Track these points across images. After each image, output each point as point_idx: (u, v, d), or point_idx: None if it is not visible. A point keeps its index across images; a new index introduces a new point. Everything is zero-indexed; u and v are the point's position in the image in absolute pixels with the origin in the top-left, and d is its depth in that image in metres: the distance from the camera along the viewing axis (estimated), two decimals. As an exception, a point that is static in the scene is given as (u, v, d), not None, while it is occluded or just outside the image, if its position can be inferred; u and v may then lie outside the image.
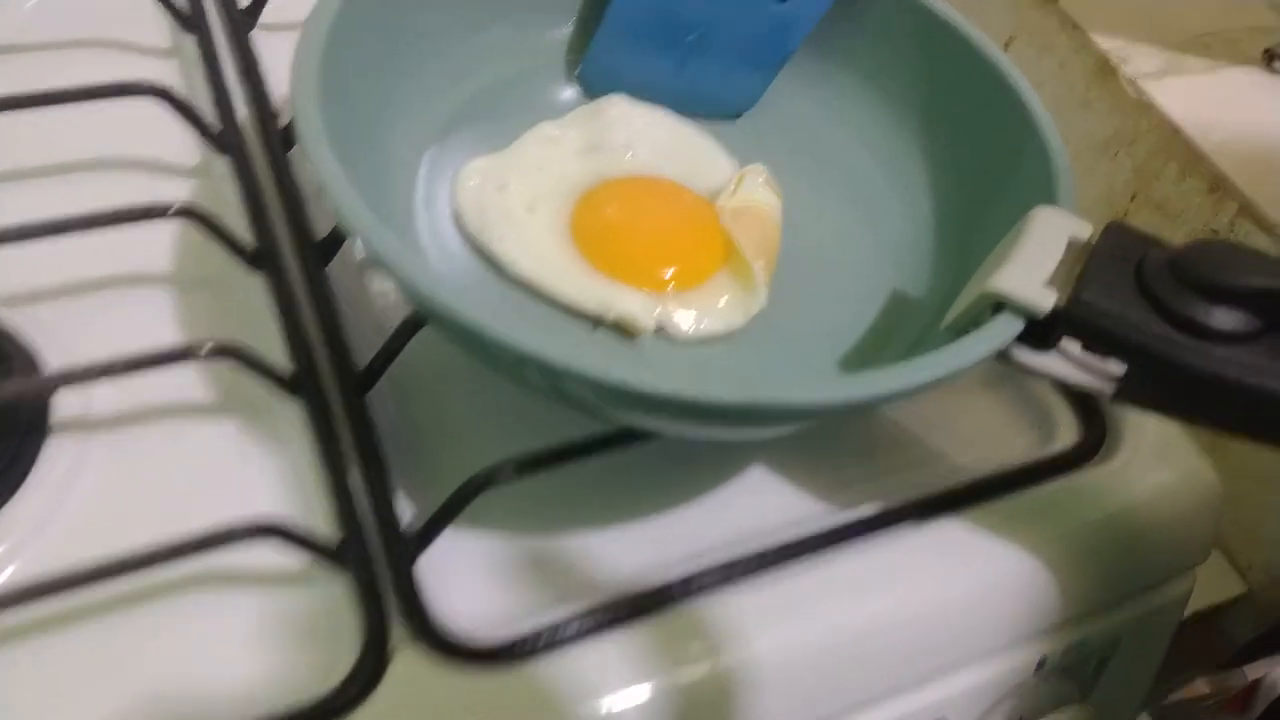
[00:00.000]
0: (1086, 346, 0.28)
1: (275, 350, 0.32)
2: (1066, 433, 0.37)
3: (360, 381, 0.32)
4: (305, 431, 0.31)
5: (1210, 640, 0.61)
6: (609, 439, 0.30)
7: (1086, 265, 0.28)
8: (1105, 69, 0.55)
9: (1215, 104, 0.53)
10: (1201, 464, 0.37)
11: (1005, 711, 0.36)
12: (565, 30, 0.41)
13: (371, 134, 0.33)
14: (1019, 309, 0.28)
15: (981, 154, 0.37)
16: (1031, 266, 0.28)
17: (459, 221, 0.36)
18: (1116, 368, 0.28)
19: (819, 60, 0.41)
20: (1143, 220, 0.53)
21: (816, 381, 0.26)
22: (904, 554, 0.32)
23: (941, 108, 0.38)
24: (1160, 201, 0.53)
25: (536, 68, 0.40)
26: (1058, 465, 0.35)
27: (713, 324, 0.35)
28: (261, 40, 0.42)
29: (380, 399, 0.32)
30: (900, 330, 0.35)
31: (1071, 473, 0.35)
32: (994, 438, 0.37)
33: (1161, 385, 0.28)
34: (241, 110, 0.39)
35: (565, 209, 0.37)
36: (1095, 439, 0.36)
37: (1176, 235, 0.52)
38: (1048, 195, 0.32)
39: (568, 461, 0.30)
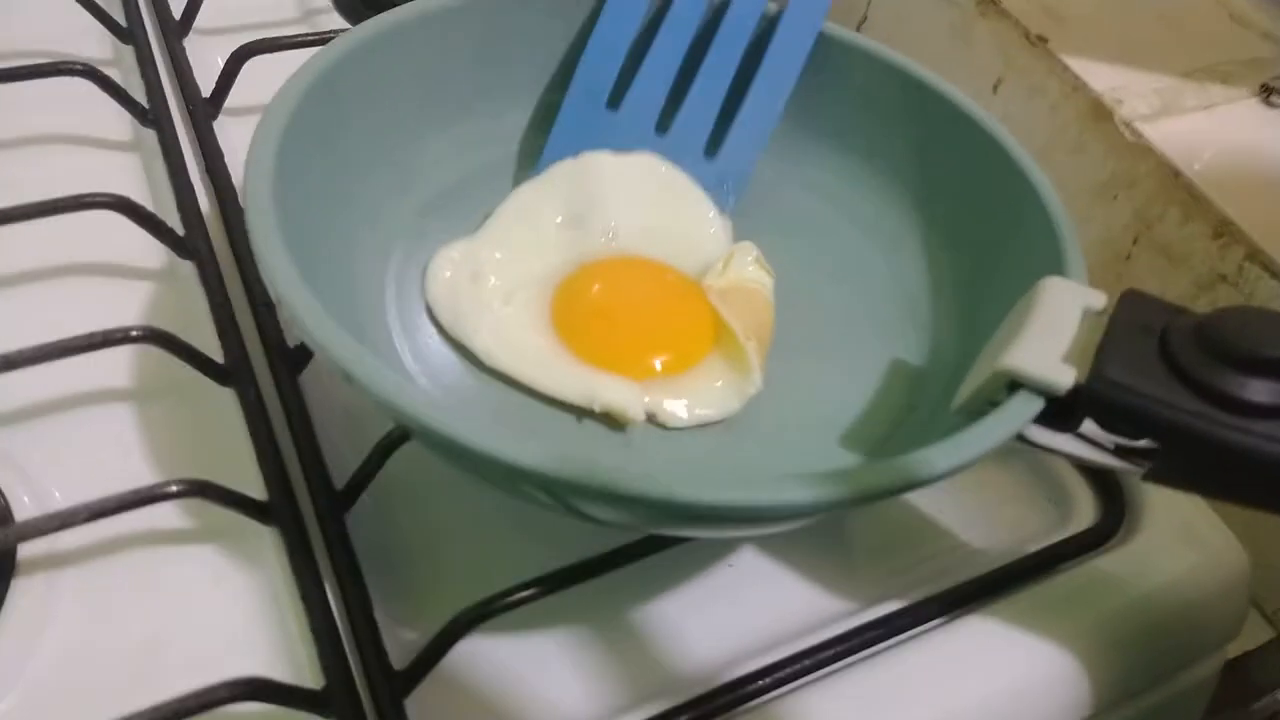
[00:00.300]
0: (1111, 427, 0.26)
1: (248, 473, 0.31)
2: (1084, 510, 0.35)
3: (340, 501, 0.31)
4: (283, 560, 0.29)
5: (1238, 688, 0.59)
6: (604, 560, 0.29)
7: (1105, 338, 0.27)
8: (1099, 111, 0.53)
9: (1215, 144, 0.52)
10: (1228, 539, 0.35)
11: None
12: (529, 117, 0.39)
13: (334, 233, 0.32)
14: (1036, 387, 0.26)
15: (979, 224, 0.35)
16: (1046, 341, 0.27)
17: (433, 315, 0.34)
18: (1144, 448, 0.26)
19: (802, 138, 0.39)
20: (1147, 265, 0.52)
21: (820, 476, 0.24)
22: (921, 659, 0.30)
23: (933, 178, 0.37)
24: (1164, 246, 0.51)
25: (509, 156, 0.39)
26: (1078, 548, 0.34)
27: (706, 410, 0.33)
28: (226, 130, 0.40)
29: (363, 517, 0.31)
30: (905, 411, 0.33)
31: (1093, 555, 0.34)
32: (1009, 519, 0.35)
33: (1196, 464, 0.26)
34: (207, 208, 0.38)
35: (544, 295, 0.35)
36: (1115, 517, 0.35)
37: (1182, 280, 0.50)
38: (1055, 264, 0.30)
39: (564, 587, 0.28)
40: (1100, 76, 0.54)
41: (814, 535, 0.33)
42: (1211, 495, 0.28)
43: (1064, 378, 0.26)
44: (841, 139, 0.39)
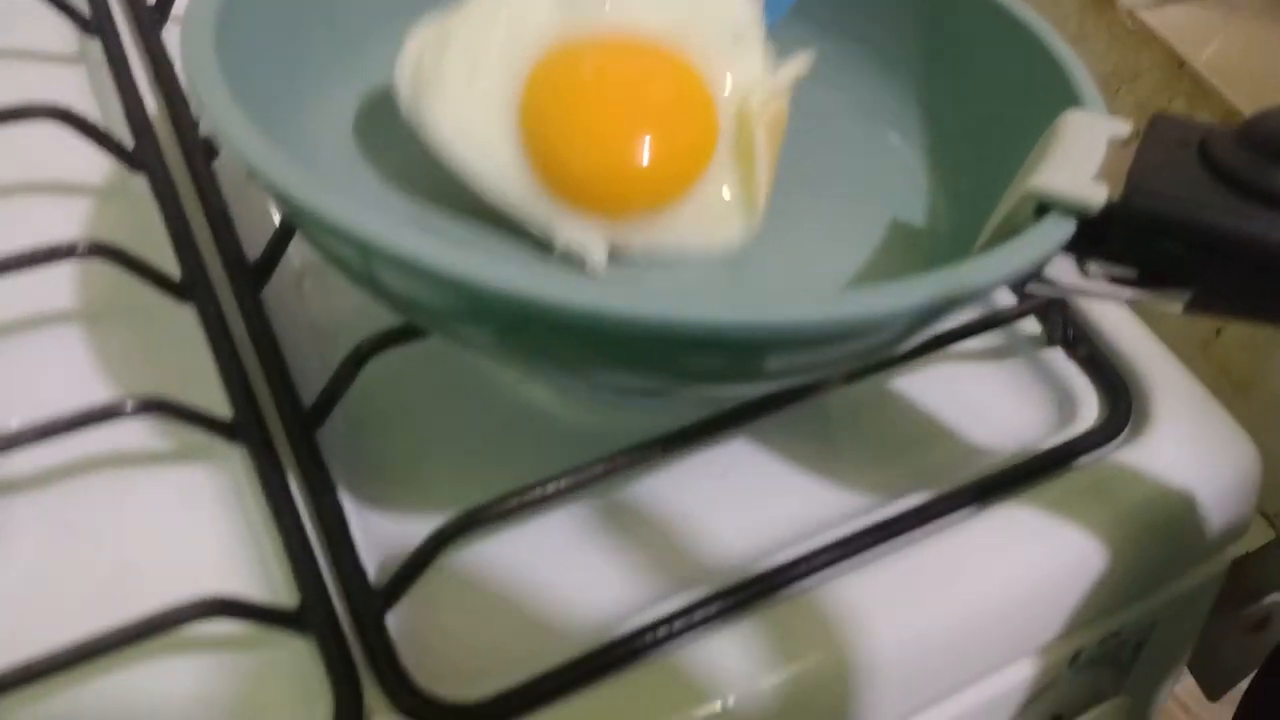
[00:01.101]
0: (1147, 248, 0.24)
1: (212, 393, 0.29)
2: (1089, 409, 0.34)
3: (309, 418, 0.29)
4: (253, 480, 0.28)
5: (1237, 589, 0.59)
6: (598, 475, 0.27)
7: (1139, 155, 0.25)
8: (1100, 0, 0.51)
9: (1221, 31, 0.50)
10: (1238, 434, 0.34)
11: (1038, 711, 0.33)
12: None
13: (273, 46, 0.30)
14: (1068, 207, 0.24)
15: (982, 81, 0.33)
16: (1074, 163, 0.25)
17: (400, 103, 0.30)
18: (1184, 275, 0.25)
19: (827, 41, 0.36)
20: (1148, 159, 0.50)
21: (835, 297, 0.22)
22: (926, 559, 0.29)
23: (933, 51, 0.35)
24: (1166, 138, 0.49)
25: None
26: (1084, 446, 0.32)
27: (690, 252, 0.30)
28: (175, 37, 0.38)
29: (334, 434, 0.29)
30: (912, 263, 0.31)
31: (1100, 453, 0.32)
32: (1012, 419, 0.34)
33: (1248, 284, 0.24)
34: (157, 118, 0.35)
35: (516, 80, 0.29)
36: (1122, 415, 0.33)
37: (1185, 173, 0.48)
38: (1072, 102, 0.28)
39: (551, 502, 0.27)
40: (1100, -39, 0.52)
41: (819, 438, 0.32)
42: (1256, 318, 0.26)
43: (1097, 194, 0.24)
44: (841, 28, 0.36)
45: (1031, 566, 0.30)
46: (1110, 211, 0.24)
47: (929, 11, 0.35)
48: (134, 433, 0.29)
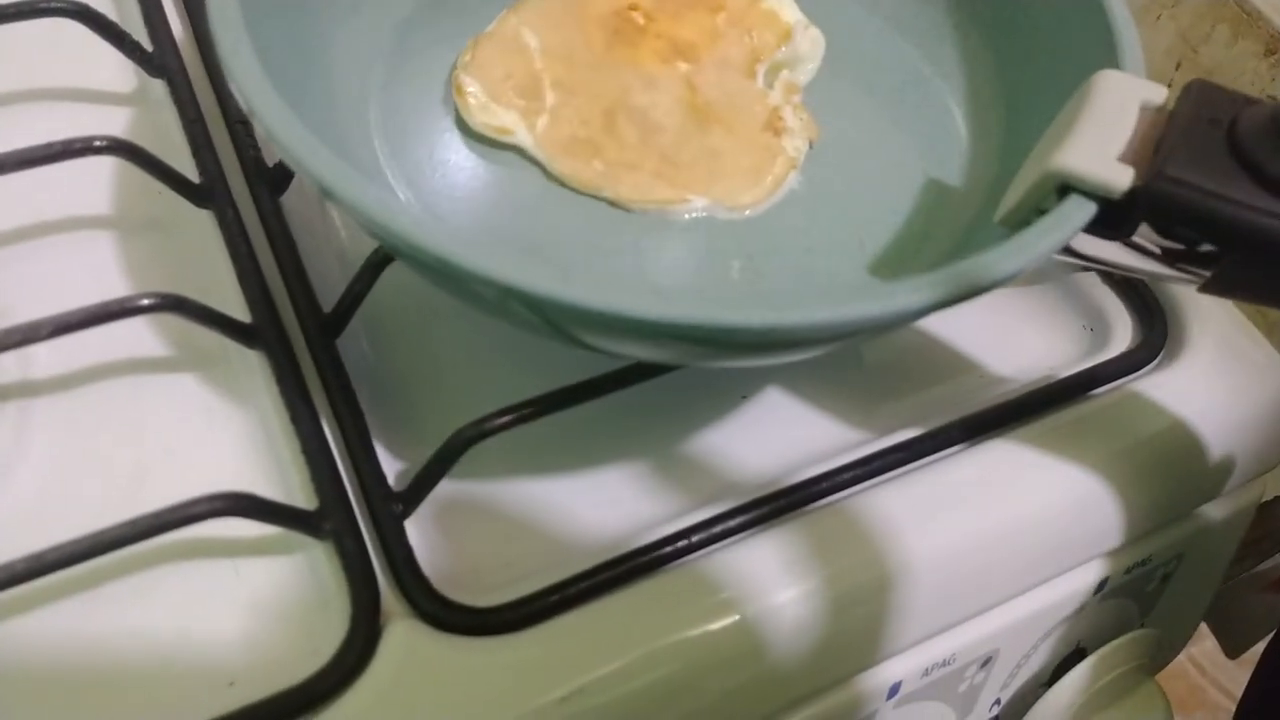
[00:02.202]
0: (1170, 232, 0.24)
1: (230, 295, 0.29)
2: (1122, 333, 0.33)
3: (329, 325, 0.29)
4: (271, 385, 0.28)
5: (1260, 541, 0.58)
6: (612, 378, 0.27)
7: (1166, 134, 0.24)
8: (1143, -79, 0.49)
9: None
10: (1274, 360, 0.33)
11: (1061, 638, 0.33)
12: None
13: (313, 44, 0.29)
14: (1090, 189, 0.24)
15: (1025, 21, 0.32)
16: (1100, 139, 0.24)
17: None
18: (1203, 254, 0.24)
19: None
20: (1189, 89, 0.49)
21: (850, 295, 0.22)
22: (948, 481, 0.29)
23: None
24: (1210, 68, 0.48)
25: None
26: (1115, 371, 0.32)
27: (728, 206, 0.30)
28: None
29: (353, 343, 0.29)
30: (941, 226, 0.30)
31: (1131, 379, 0.32)
32: (1042, 343, 0.33)
33: (1263, 271, 0.24)
34: (177, 25, 0.35)
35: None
36: (1156, 340, 0.33)
37: (1227, 104, 0.47)
38: (1108, 57, 0.27)
39: (568, 405, 0.26)
40: (1145, -119, 0.50)
41: (834, 364, 0.31)
42: (1273, 304, 0.25)
43: (1121, 178, 0.23)
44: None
45: (1043, 496, 0.29)
46: (1133, 195, 0.23)
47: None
48: (152, 335, 0.29)
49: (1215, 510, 0.33)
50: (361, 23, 0.31)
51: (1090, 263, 0.25)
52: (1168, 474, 0.31)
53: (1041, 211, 0.24)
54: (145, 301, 0.26)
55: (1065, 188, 0.24)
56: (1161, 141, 0.24)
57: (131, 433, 0.27)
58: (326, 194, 0.22)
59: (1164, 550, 0.33)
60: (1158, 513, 0.32)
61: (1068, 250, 0.25)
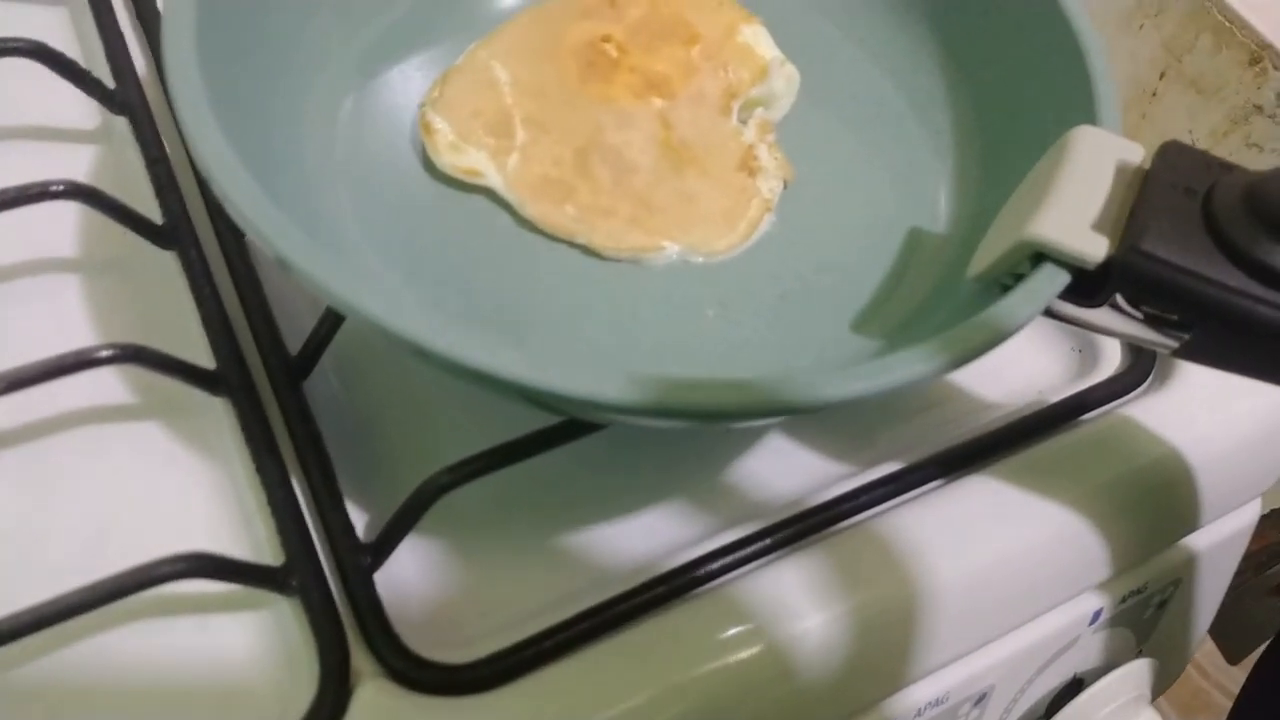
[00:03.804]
0: (1144, 302, 0.24)
1: (194, 338, 0.28)
2: (1111, 356, 0.33)
3: (296, 367, 0.28)
4: (236, 433, 0.27)
5: (1261, 550, 0.58)
6: (586, 425, 0.26)
7: (1140, 200, 0.23)
8: (1124, -69, 0.49)
9: (1253, -40, 0.47)
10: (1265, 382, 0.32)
11: (1057, 671, 0.32)
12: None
13: (270, 87, 0.28)
14: (1064, 260, 0.23)
15: (1004, 60, 0.31)
16: (1075, 205, 0.24)
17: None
18: (1178, 322, 0.24)
19: None
20: (1176, 100, 0.48)
21: (816, 372, 0.21)
22: (933, 517, 0.28)
23: (957, 7, 0.33)
24: (1194, 78, 0.47)
25: None
26: (1105, 396, 0.31)
27: (701, 254, 0.30)
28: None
29: (321, 384, 0.28)
30: (917, 269, 0.30)
31: (1121, 403, 0.31)
32: (1030, 365, 0.33)
33: (1238, 346, 0.24)
34: (140, 62, 0.34)
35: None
36: (1145, 363, 0.32)
37: (1215, 114, 0.46)
38: (1085, 109, 0.27)
39: (544, 450, 0.26)
40: (1126, -109, 0.49)
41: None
42: (1253, 377, 0.25)
43: (1095, 249, 0.23)
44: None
45: (1047, 522, 0.29)
46: (1108, 266, 0.23)
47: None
48: (113, 383, 0.28)
49: (1210, 535, 0.33)
50: (327, 58, 0.30)
51: (1066, 321, 0.25)
52: (1161, 501, 0.31)
53: (1017, 275, 0.24)
54: (104, 353, 0.25)
55: (1040, 254, 0.24)
56: (1137, 208, 0.23)
57: (91, 487, 0.27)
58: (283, 267, 0.22)
59: (1159, 578, 0.32)
60: (1151, 540, 0.31)
61: (1049, 313, 0.25)
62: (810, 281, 0.29)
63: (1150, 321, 0.24)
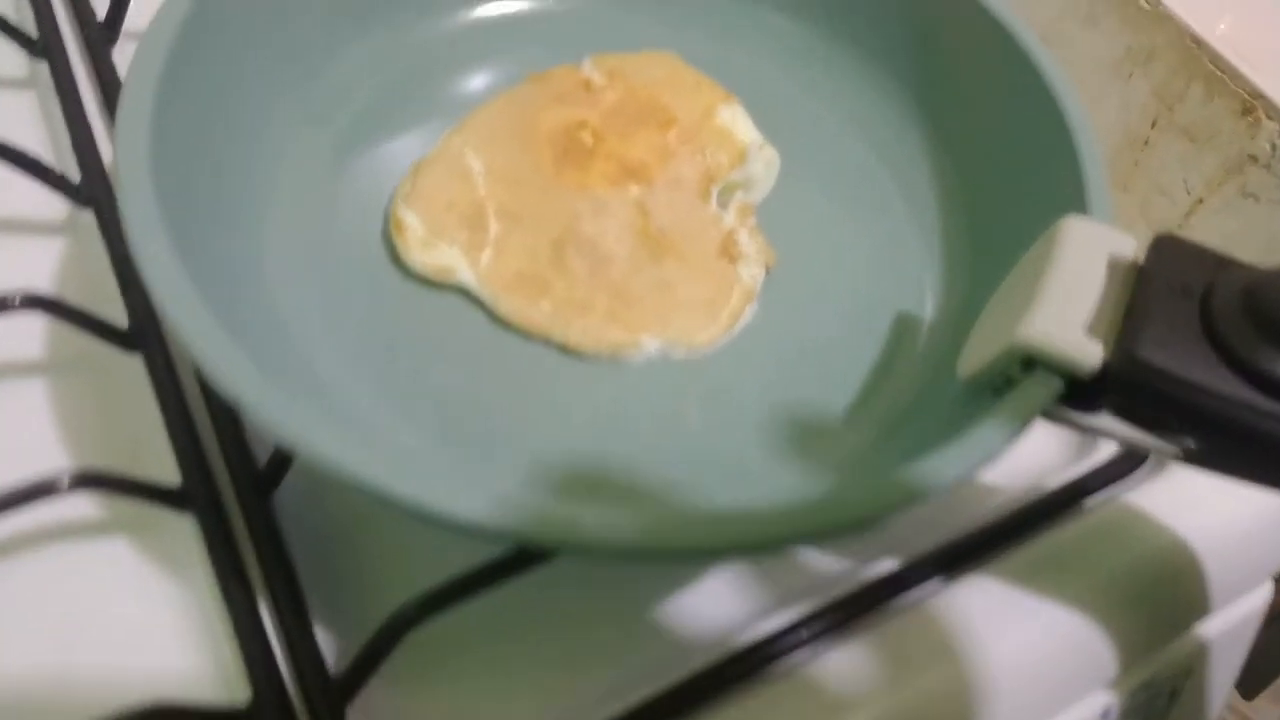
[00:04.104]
0: (1141, 413, 0.23)
1: (161, 453, 0.27)
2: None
3: (264, 478, 0.27)
4: (202, 554, 0.26)
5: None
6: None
7: (1136, 301, 0.22)
8: (1112, -22, 0.48)
9: (1240, 5, 0.46)
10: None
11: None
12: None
13: (231, 186, 0.27)
14: (1056, 367, 0.22)
15: (989, 136, 0.30)
16: (1066, 305, 0.22)
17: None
18: (1175, 440, 0.23)
19: (806, 30, 0.34)
20: (1168, 149, 0.47)
21: (799, 497, 0.20)
22: (932, 620, 0.27)
23: (944, 84, 0.32)
24: (1186, 126, 0.46)
25: (432, 62, 0.33)
26: (1105, 479, 0.30)
27: (680, 349, 0.29)
28: (128, 56, 0.35)
29: (288, 498, 0.27)
30: (905, 358, 0.29)
31: (1122, 486, 0.30)
32: (1026, 447, 0.31)
33: (1242, 456, 0.22)
34: (108, 152, 0.33)
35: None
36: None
37: (1208, 164, 0.45)
38: (1075, 193, 0.26)
39: (522, 573, 0.24)
40: (1112, -61, 0.49)
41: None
42: (1255, 482, 0.24)
43: (1088, 356, 0.22)
44: (842, 27, 0.33)
45: (1048, 624, 0.28)
46: (1103, 372, 0.22)
47: (932, 25, 0.32)
48: (74, 501, 0.27)
49: (1221, 621, 0.32)
50: (292, 152, 0.29)
51: (1063, 425, 0.24)
52: (1169, 591, 0.29)
53: (1007, 378, 0.23)
54: (62, 481, 0.24)
55: (1031, 358, 0.23)
56: (1132, 309, 0.22)
57: (50, 616, 0.25)
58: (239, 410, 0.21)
59: (1169, 668, 0.31)
60: (1160, 631, 0.30)
61: (1045, 416, 0.24)
62: (795, 374, 0.28)
63: (1153, 426, 0.23)
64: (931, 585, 0.28)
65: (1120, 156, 0.49)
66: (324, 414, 0.20)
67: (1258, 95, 0.44)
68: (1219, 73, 0.45)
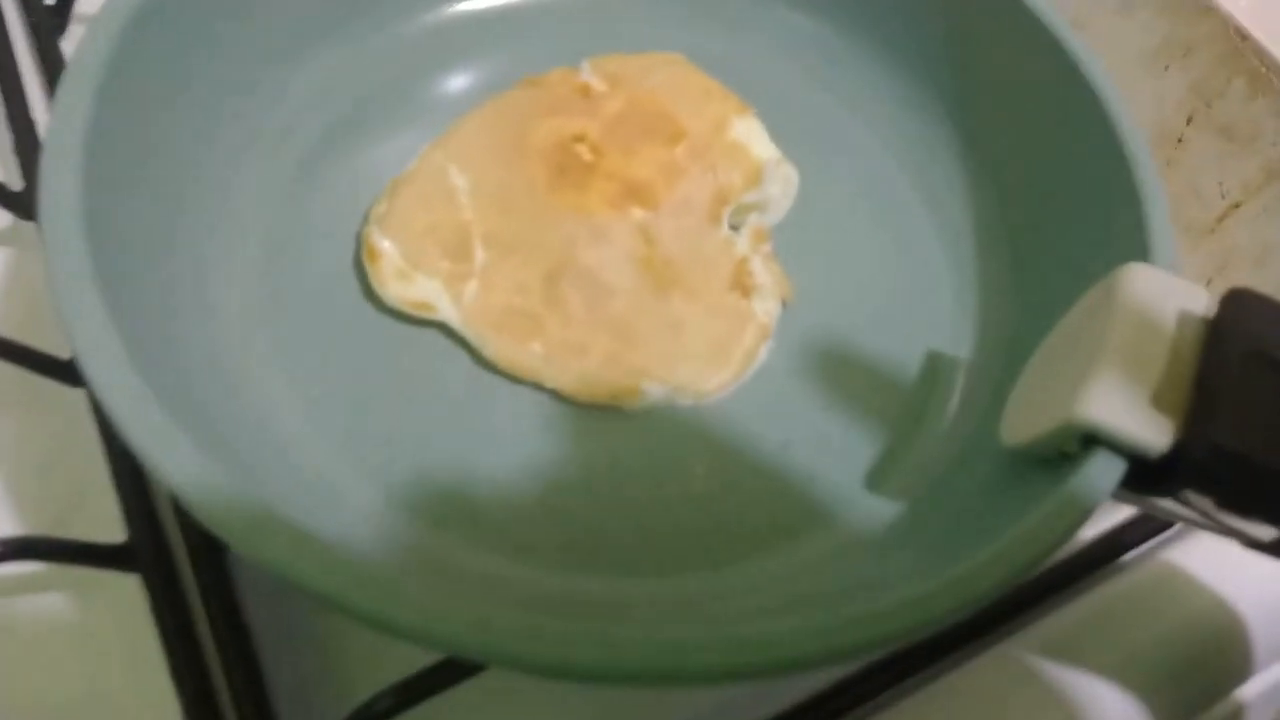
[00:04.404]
0: (1219, 497, 0.20)
1: (105, 498, 0.24)
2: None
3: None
4: (150, 621, 0.23)
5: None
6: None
7: (1208, 369, 0.20)
8: (1150, -37, 0.45)
9: (1291, -1, 0.43)
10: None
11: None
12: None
13: (178, 204, 0.24)
14: (1120, 447, 0.20)
15: (1033, 160, 0.27)
16: (1130, 374, 0.20)
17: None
18: (1265, 519, 0.20)
19: (825, 28, 0.31)
20: (1205, 148, 0.44)
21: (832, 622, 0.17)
22: (952, 698, 0.25)
23: (981, 95, 0.29)
24: (1225, 125, 0.43)
25: (412, 63, 0.30)
26: (1143, 534, 0.27)
27: (685, 394, 0.26)
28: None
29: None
30: (937, 408, 0.26)
31: (1161, 542, 0.28)
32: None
33: None
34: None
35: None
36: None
37: (1249, 166, 0.43)
38: (1134, 233, 0.23)
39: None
40: (1152, -79, 0.45)
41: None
42: None
43: (1157, 436, 0.19)
44: (877, 34, 0.30)
45: (1085, 693, 0.25)
46: (1173, 454, 0.19)
47: (961, 21, 0.29)
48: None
49: (1262, 682, 0.29)
50: (258, 160, 0.26)
51: (1130, 505, 0.21)
52: (1208, 659, 0.27)
53: (1063, 452, 0.20)
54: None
55: (1090, 435, 0.20)
56: (1204, 379, 0.19)
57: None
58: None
59: (1206, 728, 0.29)
60: (1196, 701, 0.27)
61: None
62: (816, 425, 0.25)
63: (1230, 511, 0.20)
64: (956, 656, 0.25)
65: (1153, 153, 0.46)
66: (264, 507, 0.17)
67: (1306, 96, 0.41)
68: (1264, 69, 0.42)
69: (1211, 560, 0.28)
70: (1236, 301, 0.21)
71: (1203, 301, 0.21)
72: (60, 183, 0.20)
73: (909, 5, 0.30)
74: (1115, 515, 0.28)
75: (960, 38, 0.29)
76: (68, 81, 0.22)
